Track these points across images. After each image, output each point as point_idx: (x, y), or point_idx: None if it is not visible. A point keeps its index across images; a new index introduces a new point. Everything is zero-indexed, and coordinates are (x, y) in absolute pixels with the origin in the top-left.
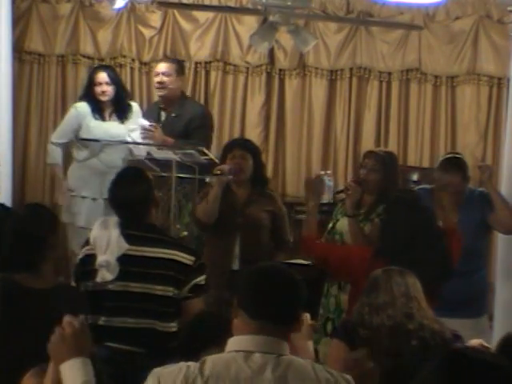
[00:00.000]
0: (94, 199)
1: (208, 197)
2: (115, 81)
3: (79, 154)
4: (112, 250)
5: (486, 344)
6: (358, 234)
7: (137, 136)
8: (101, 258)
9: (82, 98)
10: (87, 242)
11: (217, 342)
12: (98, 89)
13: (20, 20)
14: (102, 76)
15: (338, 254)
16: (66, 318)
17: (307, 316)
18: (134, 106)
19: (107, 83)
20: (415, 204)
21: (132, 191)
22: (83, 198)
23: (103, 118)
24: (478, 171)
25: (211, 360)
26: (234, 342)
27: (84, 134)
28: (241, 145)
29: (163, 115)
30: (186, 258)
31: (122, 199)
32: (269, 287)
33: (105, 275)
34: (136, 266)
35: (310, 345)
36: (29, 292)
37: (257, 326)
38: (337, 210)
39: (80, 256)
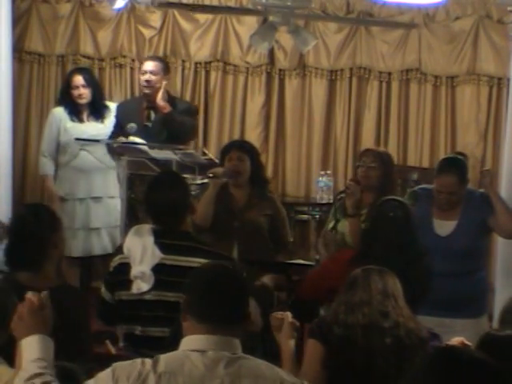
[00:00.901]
0: (80, 199)
1: (201, 199)
2: (91, 83)
3: (61, 158)
4: (147, 259)
5: (466, 342)
6: (358, 234)
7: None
8: (136, 269)
9: (59, 102)
10: (119, 250)
11: None
12: (75, 92)
13: (20, 20)
14: (78, 79)
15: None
16: (28, 295)
17: (288, 315)
18: (113, 105)
19: (83, 86)
20: (400, 216)
21: (169, 195)
22: (74, 200)
23: (81, 120)
24: (478, 173)
25: (165, 358)
26: (187, 342)
27: (62, 137)
28: (238, 146)
29: (153, 114)
30: None
31: (159, 203)
32: (213, 291)
33: (140, 286)
34: (171, 276)
35: (292, 343)
36: (30, 291)
37: (207, 328)
38: (335, 210)
39: (114, 264)
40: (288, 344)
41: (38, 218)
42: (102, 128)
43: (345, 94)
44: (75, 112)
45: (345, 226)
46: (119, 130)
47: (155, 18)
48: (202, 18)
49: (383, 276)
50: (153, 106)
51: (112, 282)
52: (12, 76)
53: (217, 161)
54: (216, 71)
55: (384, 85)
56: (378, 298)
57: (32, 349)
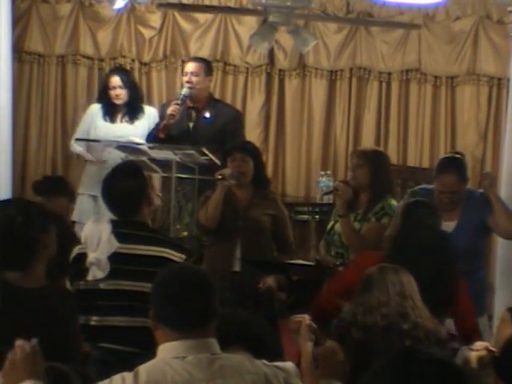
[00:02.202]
0: (94, 196)
1: (209, 201)
2: (128, 84)
3: (93, 155)
4: (103, 248)
5: (491, 347)
6: (350, 234)
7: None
8: (91, 256)
9: (98, 100)
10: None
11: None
12: (112, 92)
13: (20, 20)
14: (115, 80)
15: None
16: (18, 343)
17: (305, 317)
18: (150, 109)
19: (120, 87)
20: (434, 222)
21: (125, 183)
22: (88, 195)
23: (113, 121)
24: (478, 173)
25: (145, 369)
26: (164, 350)
27: (91, 135)
28: (240, 148)
29: (194, 115)
30: (175, 256)
31: (114, 191)
32: (179, 296)
33: (96, 273)
34: (127, 264)
35: (310, 346)
36: (20, 292)
37: (181, 334)
38: (335, 211)
39: (72, 255)
40: (306, 347)
41: (28, 217)
42: (132, 129)
43: (345, 94)
44: (110, 112)
45: None
46: (154, 130)
47: (155, 18)
48: (202, 18)
49: (399, 275)
50: (195, 106)
51: (71, 273)
52: (12, 76)
53: (217, 161)
54: (216, 71)
55: (384, 85)
56: (396, 299)
57: None
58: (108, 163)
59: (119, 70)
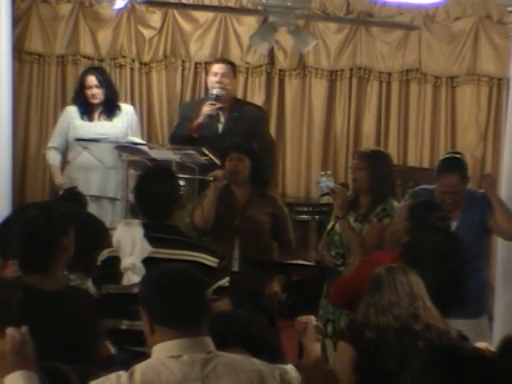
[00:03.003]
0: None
1: (203, 203)
2: (104, 83)
3: (69, 155)
4: (137, 252)
5: (491, 348)
6: (349, 235)
7: (135, 139)
8: (126, 261)
9: (73, 101)
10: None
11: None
12: (89, 92)
13: (20, 20)
14: (91, 79)
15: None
16: (8, 331)
17: (312, 318)
18: (126, 106)
19: (96, 86)
20: (442, 228)
21: (159, 186)
22: None
23: (91, 119)
24: (478, 174)
25: (140, 368)
26: (159, 350)
27: (71, 134)
28: (236, 147)
29: (221, 116)
30: (210, 260)
31: (148, 194)
32: (173, 294)
33: (131, 278)
34: None
35: (317, 347)
36: (40, 294)
37: (176, 332)
38: (335, 212)
39: (102, 258)
40: (313, 348)
41: (49, 220)
42: (110, 127)
43: (345, 94)
44: (87, 111)
45: None
46: (185, 130)
47: (155, 18)
48: (202, 18)
49: (408, 275)
50: (222, 107)
51: (100, 276)
52: (12, 76)
53: (217, 161)
54: None
55: (384, 85)
56: (406, 300)
57: None
58: (78, 161)
59: (94, 69)
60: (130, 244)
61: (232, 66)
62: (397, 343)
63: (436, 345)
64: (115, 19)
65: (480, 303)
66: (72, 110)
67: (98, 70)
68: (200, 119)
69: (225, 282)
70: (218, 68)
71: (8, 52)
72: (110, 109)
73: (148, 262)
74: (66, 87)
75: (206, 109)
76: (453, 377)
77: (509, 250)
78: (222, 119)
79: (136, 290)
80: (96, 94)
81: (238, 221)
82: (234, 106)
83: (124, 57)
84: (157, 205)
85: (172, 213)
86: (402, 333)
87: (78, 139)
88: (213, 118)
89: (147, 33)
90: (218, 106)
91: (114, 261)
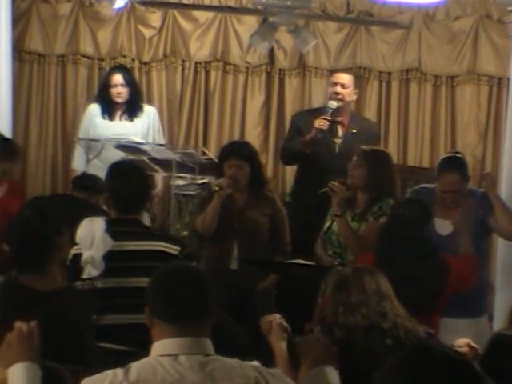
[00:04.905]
0: None
1: (207, 210)
2: (130, 82)
3: (89, 154)
4: (97, 246)
5: (473, 344)
6: (347, 234)
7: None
8: (86, 254)
9: (96, 99)
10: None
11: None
12: (114, 90)
13: (20, 20)
14: (117, 78)
15: None
16: (17, 324)
17: (276, 317)
18: (149, 108)
19: (122, 85)
20: (413, 218)
21: (134, 182)
22: None
23: (112, 118)
24: (478, 173)
25: (136, 366)
26: (158, 347)
27: (91, 133)
28: (236, 153)
29: (340, 130)
30: (170, 248)
31: (123, 188)
32: (174, 289)
33: (91, 271)
34: (123, 261)
35: (283, 345)
36: (35, 293)
37: (176, 329)
38: (332, 211)
39: (69, 257)
40: (279, 346)
41: (44, 219)
42: (130, 127)
43: None
44: (109, 110)
45: None
46: (297, 144)
47: (155, 18)
48: (202, 17)
49: (375, 276)
50: (341, 122)
51: (69, 274)
52: (12, 76)
53: (217, 161)
54: (216, 71)
55: (384, 85)
56: (374, 298)
57: (19, 376)
58: (98, 162)
59: (120, 68)
60: (90, 238)
61: (352, 76)
62: (365, 342)
63: (409, 344)
64: (115, 19)
65: (480, 303)
66: (94, 108)
67: (124, 69)
68: (312, 134)
69: None
70: (338, 78)
71: (8, 52)
72: (132, 109)
73: (110, 255)
74: (66, 87)
75: (319, 123)
76: (422, 377)
77: (509, 250)
78: (340, 134)
79: (99, 284)
80: (121, 92)
81: (237, 222)
82: (353, 120)
83: (124, 56)
84: (132, 199)
85: (142, 208)
86: (371, 331)
87: (91, 139)
88: (329, 133)
89: (147, 32)
90: (332, 120)
91: (79, 258)
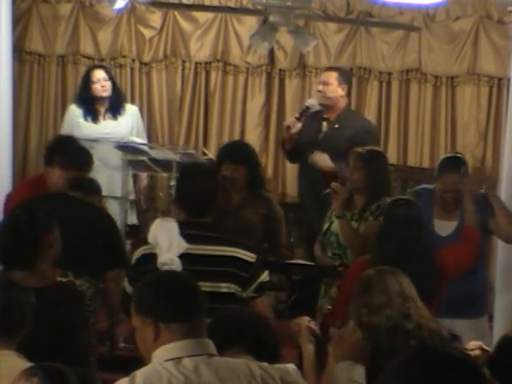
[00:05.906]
0: None
1: None
2: (111, 78)
3: None
4: (174, 248)
5: (485, 346)
6: (349, 234)
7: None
8: (164, 257)
9: (76, 100)
10: (144, 242)
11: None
12: (98, 85)
13: (20, 20)
14: (100, 73)
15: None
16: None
17: (304, 319)
18: (131, 107)
19: (105, 79)
20: (407, 218)
21: (202, 184)
22: None
23: (95, 118)
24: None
25: (142, 373)
26: (161, 353)
27: (76, 133)
28: (231, 157)
29: (325, 126)
30: (247, 256)
31: (191, 191)
32: (174, 291)
33: None
34: (197, 265)
35: (311, 348)
36: (25, 291)
37: (177, 331)
38: (330, 212)
39: (137, 256)
40: (307, 349)
41: (33, 216)
42: (115, 126)
43: None
44: (92, 110)
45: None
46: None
47: (155, 18)
48: (202, 18)
49: (397, 277)
50: (327, 118)
51: (135, 274)
52: (12, 76)
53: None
54: (216, 71)
55: (384, 85)
56: (397, 300)
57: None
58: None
59: (100, 65)
60: (167, 240)
61: (339, 72)
62: (389, 342)
63: (416, 346)
64: (115, 19)
65: (480, 303)
66: (76, 110)
67: (104, 67)
68: (292, 130)
69: (265, 276)
70: (321, 76)
71: (8, 52)
72: (115, 106)
73: (185, 258)
74: (66, 87)
75: (286, 121)
76: (425, 378)
77: (509, 251)
78: (325, 129)
79: None
80: (105, 86)
81: (230, 221)
82: (341, 117)
83: (124, 57)
84: (200, 202)
85: (211, 211)
86: (394, 332)
87: (81, 139)
88: (314, 127)
89: (147, 33)
90: (321, 116)
91: (150, 258)
